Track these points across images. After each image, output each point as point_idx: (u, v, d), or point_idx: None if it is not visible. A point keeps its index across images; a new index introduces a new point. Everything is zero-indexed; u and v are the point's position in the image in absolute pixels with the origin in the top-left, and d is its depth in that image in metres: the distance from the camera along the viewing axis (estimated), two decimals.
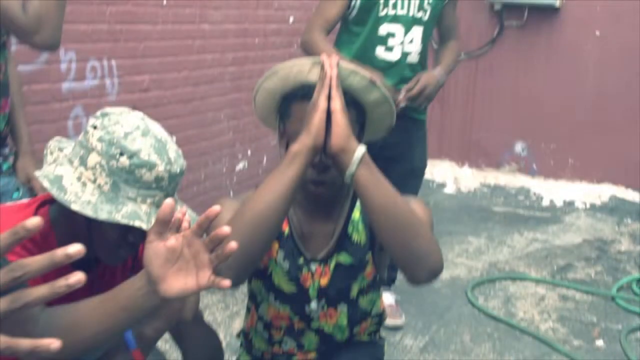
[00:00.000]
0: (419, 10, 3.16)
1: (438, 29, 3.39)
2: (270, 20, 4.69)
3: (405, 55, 3.18)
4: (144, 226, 1.41)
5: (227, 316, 3.49)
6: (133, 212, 1.41)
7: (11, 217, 1.50)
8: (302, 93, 1.66)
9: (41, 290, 0.83)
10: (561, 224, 5.29)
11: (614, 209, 5.53)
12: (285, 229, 1.79)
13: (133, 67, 3.62)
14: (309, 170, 1.64)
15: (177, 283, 1.24)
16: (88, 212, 1.38)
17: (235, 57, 4.46)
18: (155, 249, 1.24)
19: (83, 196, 1.40)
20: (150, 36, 3.71)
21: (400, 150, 3.25)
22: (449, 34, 3.42)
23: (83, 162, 1.43)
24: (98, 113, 1.49)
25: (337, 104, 1.58)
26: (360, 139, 1.67)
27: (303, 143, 1.58)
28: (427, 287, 3.95)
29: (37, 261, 0.83)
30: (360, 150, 1.57)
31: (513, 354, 3.33)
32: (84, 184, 1.41)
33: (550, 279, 4.21)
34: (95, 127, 1.45)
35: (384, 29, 3.15)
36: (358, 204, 1.80)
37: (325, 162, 1.65)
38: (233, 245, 1.24)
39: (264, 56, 4.65)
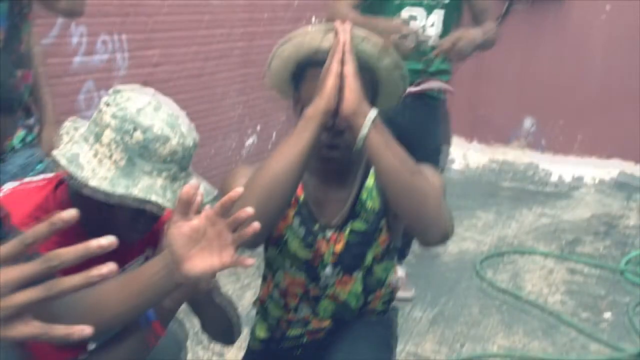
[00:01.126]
0: None
1: (471, 13, 3.31)
2: None
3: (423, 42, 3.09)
4: (160, 200, 1.43)
5: (238, 288, 3.53)
6: (149, 187, 1.43)
7: (30, 198, 1.53)
8: (315, 59, 1.68)
9: (76, 279, 0.85)
10: (570, 200, 5.30)
11: (623, 184, 5.53)
12: (301, 195, 1.82)
13: (143, 41, 3.62)
14: (323, 135, 1.66)
15: (200, 262, 1.26)
16: (105, 187, 1.41)
17: (245, 32, 4.46)
18: (179, 229, 1.26)
19: (100, 172, 1.42)
20: (160, 10, 3.71)
21: (415, 132, 3.15)
22: (482, 16, 3.31)
23: (98, 139, 1.45)
24: (110, 90, 1.51)
25: (350, 68, 1.60)
26: (373, 105, 1.69)
27: (317, 107, 1.61)
28: (436, 260, 3.99)
29: (72, 251, 0.85)
30: (372, 113, 1.60)
31: (521, 326, 3.35)
32: (100, 161, 1.44)
33: (558, 253, 4.23)
34: (108, 105, 1.47)
35: (406, 12, 3.11)
36: (372, 171, 1.82)
37: (338, 126, 1.67)
38: (256, 225, 1.26)
39: (273, 31, 4.64)
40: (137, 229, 1.55)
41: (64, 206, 1.51)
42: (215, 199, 1.57)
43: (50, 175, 1.62)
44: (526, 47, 5.81)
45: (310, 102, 1.63)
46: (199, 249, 1.27)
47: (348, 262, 1.85)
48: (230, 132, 4.53)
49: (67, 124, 1.55)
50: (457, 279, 3.83)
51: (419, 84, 3.17)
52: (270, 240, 1.86)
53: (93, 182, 1.41)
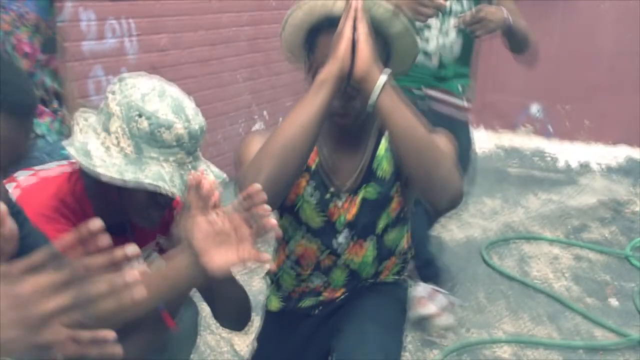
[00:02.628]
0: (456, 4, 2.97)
1: None
2: None
3: (441, 46, 2.99)
4: (167, 187, 1.45)
5: (245, 273, 3.55)
6: (157, 173, 1.45)
7: (45, 188, 1.54)
8: (327, 24, 1.69)
9: (101, 288, 0.89)
10: (576, 185, 5.30)
11: (630, 170, 5.53)
12: (314, 161, 1.84)
13: (151, 26, 3.63)
14: (335, 101, 1.68)
15: (218, 256, 1.30)
16: (114, 174, 1.42)
17: (251, 17, 4.46)
18: (197, 224, 1.30)
19: (108, 160, 1.44)
20: None
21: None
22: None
23: (105, 128, 1.47)
24: (115, 79, 1.52)
25: (362, 33, 1.62)
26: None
27: (329, 71, 1.62)
28: (442, 246, 3.99)
29: (99, 260, 0.88)
30: (383, 77, 1.62)
31: (527, 311, 3.37)
32: (108, 149, 1.46)
33: (564, 239, 4.24)
34: (113, 93, 1.49)
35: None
36: (384, 140, 1.85)
37: (350, 91, 1.69)
38: (273, 221, 1.29)
39: (280, 16, 4.63)
40: (150, 215, 1.57)
41: (78, 195, 1.54)
42: (228, 185, 1.59)
43: (64, 163, 1.63)
44: (533, 32, 5.78)
45: (323, 68, 1.65)
46: (217, 243, 1.30)
47: (360, 229, 1.88)
48: (237, 117, 4.54)
49: (78, 115, 1.56)
50: (463, 265, 3.85)
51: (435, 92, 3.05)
52: (284, 208, 1.88)
53: (101, 170, 1.43)
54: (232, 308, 1.68)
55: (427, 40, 2.96)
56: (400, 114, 1.64)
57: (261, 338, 2.10)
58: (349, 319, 1.92)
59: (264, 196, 1.35)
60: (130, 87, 1.48)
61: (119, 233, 1.61)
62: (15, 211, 1.23)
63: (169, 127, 1.45)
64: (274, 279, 2.02)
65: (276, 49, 4.72)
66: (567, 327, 3.26)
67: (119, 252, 0.89)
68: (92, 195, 1.56)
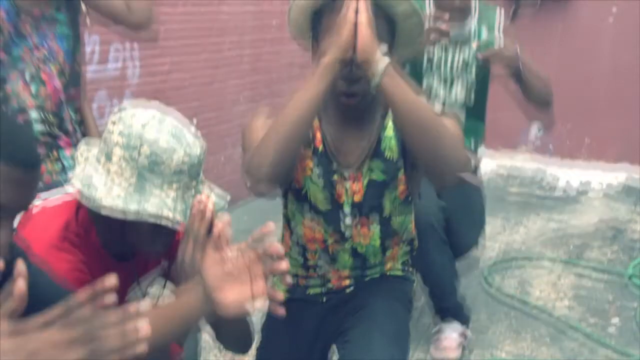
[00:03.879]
0: (462, 70, 2.94)
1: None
2: (288, 2, 4.72)
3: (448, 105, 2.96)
4: (172, 214, 1.47)
5: None
6: (161, 201, 1.46)
7: (52, 221, 1.56)
8: (331, 7, 1.73)
9: (114, 343, 0.94)
10: (577, 205, 5.31)
11: (630, 190, 5.54)
12: (320, 145, 1.87)
13: (154, 50, 3.67)
14: (340, 83, 1.73)
15: (232, 293, 1.33)
16: (119, 205, 1.44)
17: (253, 39, 4.50)
18: (212, 260, 1.34)
19: (113, 191, 1.46)
20: (171, 19, 3.76)
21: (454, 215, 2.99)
22: None
23: (109, 158, 1.49)
24: (116, 109, 1.55)
25: (363, 17, 1.65)
26: (393, 52, 1.75)
27: (332, 55, 1.67)
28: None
29: (111, 315, 0.94)
30: (383, 62, 1.66)
31: (529, 332, 3.38)
32: (113, 180, 1.47)
33: (566, 259, 4.25)
34: (114, 123, 1.51)
35: (425, 83, 2.95)
36: (390, 122, 1.88)
37: (355, 73, 1.73)
38: (284, 265, 1.34)
39: (282, 38, 4.68)
40: (158, 244, 1.58)
41: (83, 222, 1.56)
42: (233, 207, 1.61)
43: (70, 193, 1.65)
44: (533, 51, 5.79)
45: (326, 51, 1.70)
46: (231, 280, 1.34)
47: (367, 211, 1.91)
48: (239, 139, 4.55)
49: (82, 146, 1.59)
50: (465, 285, 3.84)
51: None
52: (291, 192, 1.92)
53: (107, 202, 1.44)
54: (235, 331, 1.69)
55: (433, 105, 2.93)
56: (403, 94, 1.69)
57: (265, 329, 2.10)
58: (355, 324, 1.93)
59: (274, 240, 1.38)
60: (131, 117, 1.50)
61: (123, 259, 1.63)
62: (18, 254, 1.26)
63: (171, 154, 1.47)
64: None
65: (278, 70, 4.78)
66: (569, 347, 3.26)
67: (132, 309, 0.95)
68: (96, 223, 1.58)
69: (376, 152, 1.88)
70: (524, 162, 5.94)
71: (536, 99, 2.91)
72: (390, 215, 1.94)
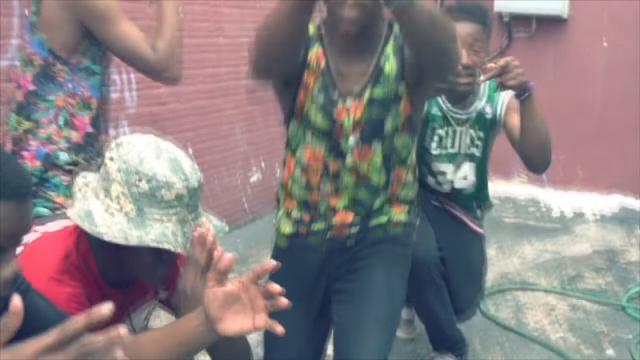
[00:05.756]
0: (469, 147, 2.84)
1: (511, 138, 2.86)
2: None
3: (457, 190, 2.89)
4: (172, 246, 1.49)
5: None
6: (161, 233, 1.48)
7: (52, 252, 1.58)
8: None
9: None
10: (571, 234, 5.33)
11: (624, 218, 5.57)
12: (322, 62, 1.95)
13: (150, 81, 3.68)
14: (339, 10, 1.84)
15: (234, 324, 1.39)
16: (120, 241, 1.47)
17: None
18: (215, 293, 1.39)
19: (113, 226, 1.48)
20: None
21: (453, 251, 2.96)
22: None
23: (108, 194, 1.51)
24: (112, 144, 1.57)
25: None
26: None
27: None
28: None
29: (101, 342, 0.98)
30: None
31: None
32: (112, 215, 1.49)
33: (560, 289, 4.26)
34: (112, 159, 1.53)
35: (435, 166, 2.85)
36: (391, 40, 1.97)
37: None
38: (284, 302, 1.41)
39: None
40: (158, 270, 1.60)
41: (82, 252, 1.57)
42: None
43: (69, 221, 1.66)
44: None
45: None
46: (233, 312, 1.39)
47: (368, 129, 1.97)
48: (235, 168, 4.58)
49: (78, 180, 1.60)
50: None
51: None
52: (293, 113, 1.99)
53: (108, 238, 1.47)
54: (232, 352, 1.70)
55: (440, 184, 2.87)
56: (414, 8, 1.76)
57: (270, 276, 2.16)
58: (352, 295, 2.04)
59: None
60: (128, 151, 1.52)
61: (120, 286, 1.64)
62: (19, 283, 1.28)
63: (169, 187, 1.49)
64: (283, 193, 2.10)
65: (273, 101, 4.78)
66: None
67: (94, 312, 0.97)
68: (96, 252, 1.59)
69: (378, 70, 1.95)
70: (517, 192, 5.97)
71: (533, 145, 2.62)
72: (393, 134, 2.00)
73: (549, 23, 5.75)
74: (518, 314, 3.89)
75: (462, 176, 2.85)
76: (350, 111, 1.95)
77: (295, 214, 2.09)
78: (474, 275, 3.05)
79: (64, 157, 2.23)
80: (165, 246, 1.48)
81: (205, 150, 4.20)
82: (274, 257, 2.16)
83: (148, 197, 1.48)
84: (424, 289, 2.83)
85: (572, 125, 5.75)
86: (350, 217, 2.05)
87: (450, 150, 2.81)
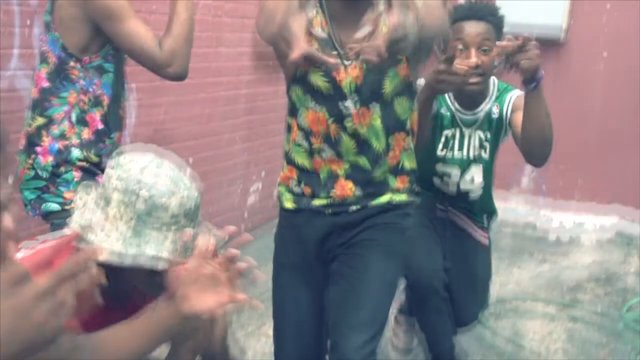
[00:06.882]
0: (478, 150, 2.77)
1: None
2: None
3: (464, 193, 2.83)
4: (172, 256, 1.49)
5: (243, 336, 3.55)
6: (160, 244, 1.49)
7: (48, 264, 1.56)
8: None
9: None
10: (570, 247, 5.32)
11: (623, 231, 5.56)
12: (324, 34, 2.01)
13: (152, 90, 3.69)
14: None
15: (199, 302, 1.36)
16: (119, 249, 1.47)
17: (250, 79, 4.54)
18: (179, 272, 1.38)
19: (112, 235, 1.48)
20: None
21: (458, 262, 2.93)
22: None
23: (108, 203, 1.51)
24: (112, 161, 1.58)
25: None
26: None
27: None
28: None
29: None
30: None
31: None
32: (112, 224, 1.49)
33: (559, 300, 4.25)
34: (113, 168, 1.53)
35: (439, 167, 2.79)
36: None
37: None
38: (243, 264, 1.39)
39: (278, 78, 4.73)
40: (155, 284, 1.58)
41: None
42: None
43: (67, 232, 1.66)
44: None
45: None
46: (198, 289, 1.37)
47: (367, 91, 2.02)
48: (235, 178, 4.58)
49: (80, 190, 1.60)
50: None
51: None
52: (295, 79, 2.06)
53: (107, 245, 1.47)
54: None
55: (446, 185, 2.81)
56: None
57: (277, 237, 2.27)
58: (348, 276, 2.10)
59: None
60: (129, 162, 1.52)
61: (119, 299, 1.62)
62: None
63: (169, 198, 1.49)
64: (287, 158, 2.17)
65: (274, 110, 4.81)
66: None
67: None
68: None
69: (375, 32, 1.98)
70: (517, 204, 5.95)
71: (534, 136, 2.57)
72: (392, 97, 2.04)
73: (547, 44, 5.74)
74: (517, 327, 3.88)
75: (470, 178, 2.79)
76: (349, 70, 2.00)
77: (296, 187, 2.15)
78: (479, 290, 3.03)
79: (75, 153, 2.28)
80: (165, 255, 1.48)
81: (206, 160, 4.20)
82: (280, 220, 2.25)
83: (147, 208, 1.48)
84: (427, 309, 2.83)
85: (573, 138, 5.72)
86: (350, 185, 2.10)
87: (457, 155, 2.75)
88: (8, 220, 1.02)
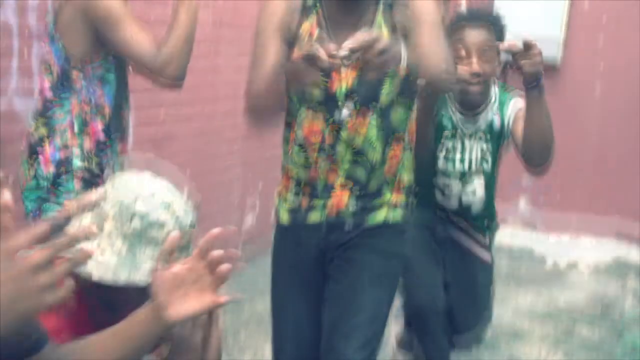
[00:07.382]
0: (480, 161, 2.71)
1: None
2: None
3: (465, 207, 2.76)
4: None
5: (236, 350, 3.52)
6: (151, 271, 1.46)
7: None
8: None
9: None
10: (565, 281, 5.29)
11: (619, 265, 5.53)
12: (315, 33, 2.05)
13: (150, 100, 3.64)
14: None
15: (182, 307, 1.34)
16: (109, 277, 1.46)
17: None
18: (162, 277, 1.35)
19: (103, 262, 1.47)
20: None
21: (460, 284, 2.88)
22: None
23: (100, 228, 1.51)
24: (108, 181, 1.59)
25: None
26: None
27: None
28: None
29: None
30: None
31: None
32: (103, 250, 1.49)
33: (554, 338, 4.19)
34: (106, 197, 1.53)
35: (440, 180, 2.72)
36: (380, 16, 2.06)
37: None
38: (226, 266, 1.35)
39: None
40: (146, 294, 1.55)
41: (75, 295, 1.48)
42: None
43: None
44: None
45: None
46: (181, 294, 1.35)
47: (362, 97, 2.04)
48: (232, 188, 4.56)
49: (75, 219, 1.56)
50: None
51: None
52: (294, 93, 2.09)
53: (97, 273, 1.46)
54: None
55: (448, 198, 2.73)
56: None
57: (274, 253, 2.29)
58: (342, 290, 2.12)
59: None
60: (123, 187, 1.53)
61: (109, 312, 1.56)
62: None
63: (161, 227, 1.49)
64: (283, 174, 2.20)
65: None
66: None
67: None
68: (88, 294, 1.54)
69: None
70: (512, 237, 5.83)
71: (534, 140, 2.51)
72: (388, 107, 2.05)
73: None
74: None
75: (471, 190, 2.72)
76: (343, 77, 2.02)
77: (293, 199, 2.17)
78: (479, 306, 2.98)
79: (77, 163, 2.32)
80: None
81: (203, 171, 4.16)
82: (276, 236, 2.28)
83: (139, 235, 1.49)
84: (425, 328, 2.79)
85: (570, 152, 5.60)
86: (346, 196, 2.11)
87: (458, 167, 2.68)
88: (6, 194, 1.03)
